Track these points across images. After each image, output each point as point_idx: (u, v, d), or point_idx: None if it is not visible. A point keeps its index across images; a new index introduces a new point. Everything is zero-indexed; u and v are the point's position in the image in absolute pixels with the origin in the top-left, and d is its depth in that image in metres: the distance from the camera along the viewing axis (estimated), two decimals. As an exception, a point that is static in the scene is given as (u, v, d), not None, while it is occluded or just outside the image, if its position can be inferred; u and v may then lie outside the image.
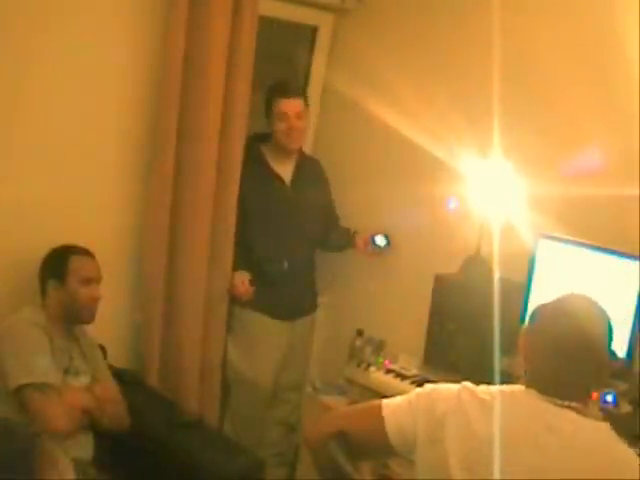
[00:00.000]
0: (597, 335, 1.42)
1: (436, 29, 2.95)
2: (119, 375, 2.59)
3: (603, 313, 1.46)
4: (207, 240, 2.80)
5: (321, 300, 3.21)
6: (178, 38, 2.55)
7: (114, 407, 2.23)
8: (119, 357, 2.66)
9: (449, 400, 1.45)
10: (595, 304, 1.47)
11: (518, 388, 1.46)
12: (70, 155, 2.52)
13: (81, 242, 2.57)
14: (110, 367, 2.59)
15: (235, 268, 2.87)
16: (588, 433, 1.37)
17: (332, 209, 3.15)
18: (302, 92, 3.00)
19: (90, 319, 2.29)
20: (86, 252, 2.30)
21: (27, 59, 2.35)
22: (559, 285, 2.34)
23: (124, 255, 2.71)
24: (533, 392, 1.42)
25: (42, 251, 2.42)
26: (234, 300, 2.91)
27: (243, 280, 2.86)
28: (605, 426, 1.40)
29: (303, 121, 2.90)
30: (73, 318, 2.27)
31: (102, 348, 2.57)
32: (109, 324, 2.69)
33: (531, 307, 2.39)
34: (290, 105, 2.84)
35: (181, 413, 2.55)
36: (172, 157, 2.63)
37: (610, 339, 1.44)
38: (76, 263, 2.26)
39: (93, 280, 2.27)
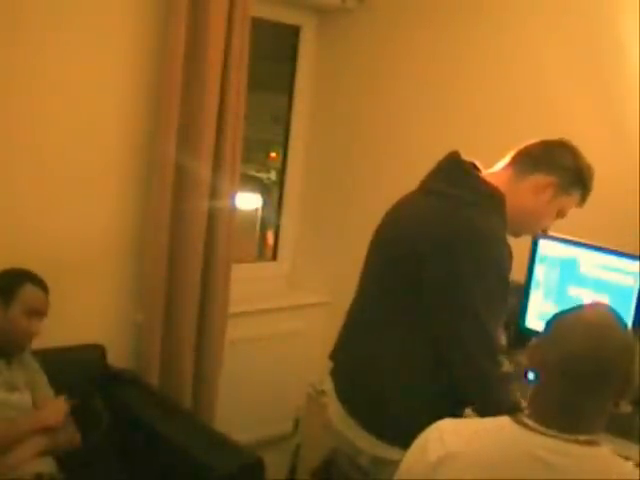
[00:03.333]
0: (620, 355, 1.21)
1: (436, 29, 2.95)
2: (119, 375, 2.60)
3: (626, 327, 1.27)
4: (207, 241, 2.81)
5: (321, 300, 3.21)
6: (178, 41, 2.55)
7: (64, 432, 2.13)
8: (119, 357, 2.66)
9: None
10: (616, 315, 1.27)
11: (507, 421, 1.25)
12: (70, 155, 2.52)
13: (81, 242, 2.58)
14: (110, 367, 2.60)
15: None
16: (588, 465, 1.17)
17: None
18: None
19: (19, 351, 2.16)
20: (42, 284, 2.17)
21: (27, 60, 2.36)
22: (559, 285, 2.35)
23: (124, 255, 2.71)
24: (528, 422, 1.22)
25: (42, 252, 2.43)
26: None
27: None
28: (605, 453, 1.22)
29: None
30: (1, 343, 2.12)
31: (101, 348, 2.57)
32: (109, 324, 2.70)
33: (531, 307, 2.42)
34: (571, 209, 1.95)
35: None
36: (173, 157, 2.64)
37: (633, 358, 1.23)
38: (29, 292, 2.12)
39: (38, 314, 2.14)
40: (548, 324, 1.29)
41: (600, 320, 1.25)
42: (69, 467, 2.13)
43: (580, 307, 1.30)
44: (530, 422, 1.22)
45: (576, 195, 1.87)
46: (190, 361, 2.83)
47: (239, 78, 2.76)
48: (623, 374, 1.21)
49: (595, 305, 1.32)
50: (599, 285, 2.23)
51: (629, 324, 2.11)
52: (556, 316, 1.29)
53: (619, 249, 2.21)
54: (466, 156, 1.84)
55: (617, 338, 1.22)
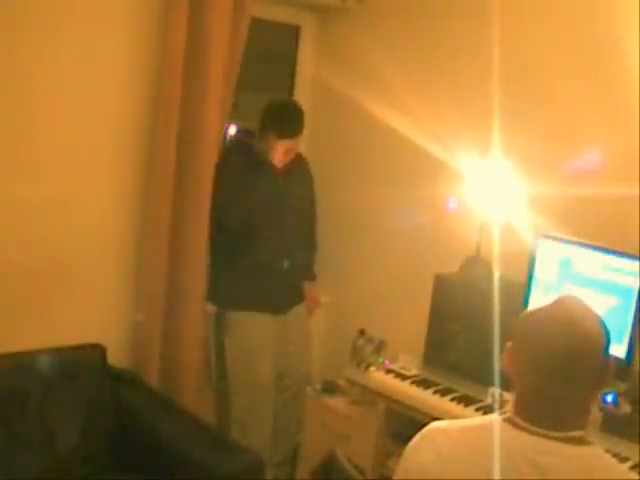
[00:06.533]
0: (592, 345, 1.19)
1: (436, 28, 2.95)
2: (119, 375, 2.60)
3: (598, 318, 1.24)
4: (208, 240, 2.80)
5: (322, 300, 3.22)
6: (178, 38, 2.55)
7: None
8: (119, 357, 2.66)
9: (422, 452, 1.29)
10: (587, 307, 1.26)
11: (497, 420, 1.24)
12: (70, 155, 2.52)
13: (81, 242, 2.58)
14: (110, 367, 2.60)
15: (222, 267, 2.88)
16: (575, 465, 1.16)
17: (314, 208, 3.18)
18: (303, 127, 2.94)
19: None
20: None
21: (27, 60, 2.36)
22: (558, 285, 2.34)
23: (124, 255, 2.71)
24: (517, 421, 1.21)
25: (42, 251, 2.42)
26: (225, 303, 2.92)
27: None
28: (596, 452, 1.20)
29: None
30: None
31: (101, 348, 2.57)
32: (109, 324, 2.70)
33: (531, 306, 2.41)
34: (293, 144, 2.89)
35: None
36: (173, 157, 2.63)
37: (607, 348, 1.22)
38: None
39: None
40: (516, 325, 1.28)
41: (569, 312, 1.23)
42: (69, 467, 2.13)
43: (548, 302, 1.28)
44: (519, 420, 1.21)
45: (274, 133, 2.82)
46: (190, 361, 2.83)
47: (232, 77, 2.76)
48: (598, 363, 1.20)
49: (563, 298, 1.27)
50: (600, 285, 2.23)
51: (629, 325, 2.11)
52: (525, 315, 1.28)
53: (619, 249, 2.21)
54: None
55: (587, 327, 1.20)
